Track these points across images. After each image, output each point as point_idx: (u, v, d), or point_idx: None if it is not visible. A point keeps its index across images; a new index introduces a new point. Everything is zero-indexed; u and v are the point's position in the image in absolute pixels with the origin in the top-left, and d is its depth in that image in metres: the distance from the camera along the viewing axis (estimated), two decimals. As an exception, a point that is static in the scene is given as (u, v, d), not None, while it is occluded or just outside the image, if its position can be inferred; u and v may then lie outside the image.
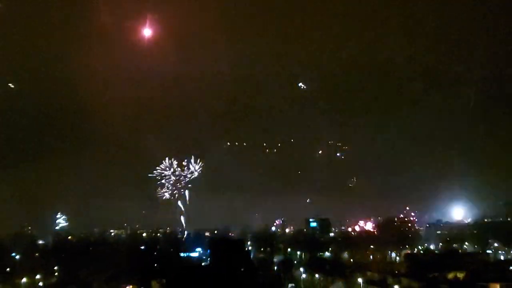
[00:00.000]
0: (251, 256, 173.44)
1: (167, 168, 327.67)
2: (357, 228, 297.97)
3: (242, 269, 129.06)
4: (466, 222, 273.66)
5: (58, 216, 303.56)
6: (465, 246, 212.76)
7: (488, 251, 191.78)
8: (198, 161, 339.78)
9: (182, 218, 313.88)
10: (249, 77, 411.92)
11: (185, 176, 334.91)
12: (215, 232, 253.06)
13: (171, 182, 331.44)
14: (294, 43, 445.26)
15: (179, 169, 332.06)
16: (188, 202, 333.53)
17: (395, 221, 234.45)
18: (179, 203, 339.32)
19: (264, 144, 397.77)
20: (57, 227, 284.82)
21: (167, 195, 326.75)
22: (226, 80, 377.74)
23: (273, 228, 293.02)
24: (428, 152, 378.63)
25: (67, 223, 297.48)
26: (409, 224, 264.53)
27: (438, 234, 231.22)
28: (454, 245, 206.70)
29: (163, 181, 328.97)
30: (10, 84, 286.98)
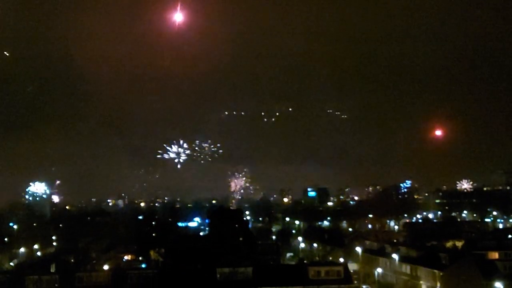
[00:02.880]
0: (250, 226, 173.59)
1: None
2: (355, 197, 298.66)
3: (240, 239, 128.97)
4: (465, 190, 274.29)
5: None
6: (464, 214, 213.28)
7: (487, 220, 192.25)
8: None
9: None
10: (250, 48, 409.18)
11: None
12: (213, 202, 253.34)
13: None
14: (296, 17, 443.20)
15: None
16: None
17: (394, 190, 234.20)
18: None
19: (263, 113, 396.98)
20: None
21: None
22: (228, 50, 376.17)
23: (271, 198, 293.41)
24: (427, 121, 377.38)
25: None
26: (408, 193, 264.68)
27: (437, 203, 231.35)
28: (453, 213, 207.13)
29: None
30: (5, 52, 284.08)
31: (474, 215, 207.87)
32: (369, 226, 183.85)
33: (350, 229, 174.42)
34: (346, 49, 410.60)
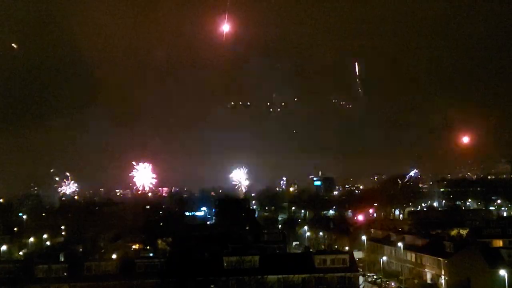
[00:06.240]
0: (256, 215, 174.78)
1: None
2: (361, 186, 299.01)
3: (247, 228, 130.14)
4: (470, 179, 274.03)
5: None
6: (468, 203, 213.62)
7: (491, 208, 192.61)
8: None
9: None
10: (254, 39, 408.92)
11: None
12: (220, 191, 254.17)
13: None
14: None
15: None
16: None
17: (398, 179, 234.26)
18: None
19: (268, 103, 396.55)
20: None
21: None
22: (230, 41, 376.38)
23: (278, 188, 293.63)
24: (432, 110, 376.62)
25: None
26: (413, 182, 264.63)
27: (442, 191, 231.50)
28: (458, 202, 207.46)
29: None
30: (13, 44, 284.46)
31: (479, 203, 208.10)
32: (374, 214, 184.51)
33: (355, 218, 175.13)
34: (351, 40, 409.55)
